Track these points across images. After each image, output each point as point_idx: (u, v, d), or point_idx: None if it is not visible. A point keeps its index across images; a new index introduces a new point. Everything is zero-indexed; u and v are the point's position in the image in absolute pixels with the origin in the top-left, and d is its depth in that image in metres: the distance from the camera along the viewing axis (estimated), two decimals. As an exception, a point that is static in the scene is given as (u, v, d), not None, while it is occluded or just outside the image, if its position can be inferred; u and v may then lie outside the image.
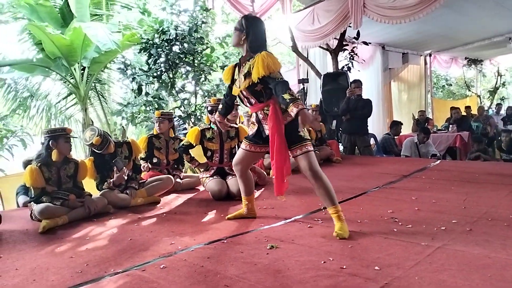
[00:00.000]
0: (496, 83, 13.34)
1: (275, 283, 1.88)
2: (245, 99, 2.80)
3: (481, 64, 12.92)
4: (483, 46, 10.06)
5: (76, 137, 3.79)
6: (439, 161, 5.65)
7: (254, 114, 2.86)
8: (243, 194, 3.08)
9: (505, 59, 13.13)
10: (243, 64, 2.77)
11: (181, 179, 4.51)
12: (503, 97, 14.20)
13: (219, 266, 2.12)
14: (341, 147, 6.79)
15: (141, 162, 4.37)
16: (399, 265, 2.00)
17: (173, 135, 4.71)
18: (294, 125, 2.56)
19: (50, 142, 3.35)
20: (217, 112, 3.15)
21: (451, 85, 16.20)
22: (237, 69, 2.85)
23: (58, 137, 3.36)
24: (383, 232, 2.54)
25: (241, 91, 2.78)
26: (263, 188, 4.23)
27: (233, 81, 2.88)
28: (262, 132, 2.81)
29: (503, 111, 11.12)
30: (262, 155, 3.30)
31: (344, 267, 2.01)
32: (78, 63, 6.72)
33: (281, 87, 2.50)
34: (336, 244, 2.36)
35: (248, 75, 2.67)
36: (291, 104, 2.40)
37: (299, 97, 2.48)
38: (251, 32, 2.71)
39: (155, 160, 4.60)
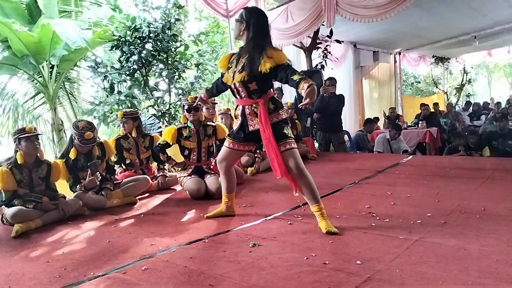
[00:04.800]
0: (462, 80, 13.80)
1: (259, 280, 1.89)
2: (235, 90, 2.77)
3: (448, 62, 13.35)
4: (450, 44, 10.41)
5: (41, 134, 3.66)
6: (410, 156, 5.80)
7: (240, 107, 2.81)
8: (224, 191, 3.07)
9: (471, 57, 13.63)
10: (242, 55, 2.72)
11: (166, 176, 4.44)
12: (469, 93, 14.71)
13: (203, 265, 2.11)
14: (316, 144, 6.86)
15: (115, 167, 4.29)
16: (380, 259, 2.05)
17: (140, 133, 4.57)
18: (279, 125, 2.66)
19: (15, 144, 3.26)
20: (204, 90, 3.08)
21: (419, 82, 16.67)
22: (234, 58, 2.80)
23: (20, 138, 3.24)
24: (362, 227, 2.59)
25: (234, 83, 2.74)
26: (241, 186, 4.22)
27: (228, 69, 2.82)
28: (245, 127, 2.79)
29: (470, 108, 11.52)
30: (244, 153, 3.28)
31: (327, 262, 2.04)
32: (46, 61, 6.52)
33: (290, 70, 2.53)
34: (318, 240, 2.38)
35: (245, 68, 2.65)
36: (302, 81, 2.41)
37: (306, 76, 2.49)
38: (251, 23, 2.68)
39: (127, 161, 4.51)
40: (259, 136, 2.71)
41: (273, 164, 2.64)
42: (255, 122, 2.72)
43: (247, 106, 2.76)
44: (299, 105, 2.45)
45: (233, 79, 2.73)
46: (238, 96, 2.79)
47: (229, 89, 2.89)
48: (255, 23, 2.69)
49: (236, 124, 2.88)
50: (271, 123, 2.64)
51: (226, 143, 2.94)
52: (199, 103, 3.17)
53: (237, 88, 2.74)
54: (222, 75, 2.88)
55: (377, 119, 9.40)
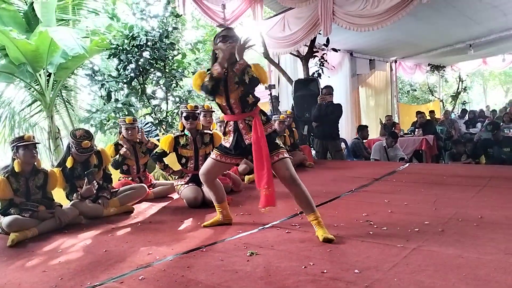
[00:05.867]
0: (457, 88, 13.89)
1: (257, 290, 1.88)
2: (228, 107, 2.75)
3: (443, 70, 13.45)
4: (445, 52, 10.49)
5: (39, 143, 3.64)
6: (407, 164, 5.82)
7: (231, 123, 2.79)
8: (215, 202, 3.08)
9: (466, 65, 13.74)
10: (231, 72, 2.69)
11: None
12: (464, 101, 14.80)
13: (200, 275, 2.10)
14: (313, 152, 6.88)
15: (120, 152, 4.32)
16: (378, 268, 2.04)
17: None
18: (271, 136, 2.70)
19: (13, 152, 3.24)
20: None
21: (415, 90, 16.77)
22: (215, 77, 2.70)
23: (18, 146, 3.23)
24: (360, 235, 2.59)
25: (228, 101, 2.72)
26: (238, 195, 4.22)
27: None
28: (241, 142, 2.77)
29: (466, 116, 11.58)
30: (231, 166, 3.25)
31: (325, 271, 2.03)
32: (43, 69, 6.52)
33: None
34: (315, 249, 2.38)
35: (241, 83, 2.64)
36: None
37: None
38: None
39: (125, 168, 4.50)
40: (250, 149, 2.69)
41: (259, 174, 2.62)
42: (250, 136, 2.69)
43: (240, 121, 2.74)
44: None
45: (228, 97, 2.71)
46: (230, 113, 2.77)
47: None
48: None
49: (227, 141, 2.82)
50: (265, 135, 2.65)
51: (213, 155, 2.90)
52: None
53: (231, 105, 2.73)
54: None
55: (366, 126, 9.42)
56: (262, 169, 2.60)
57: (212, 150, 4.10)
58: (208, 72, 2.73)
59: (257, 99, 2.77)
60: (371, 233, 2.63)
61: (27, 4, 7.03)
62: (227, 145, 2.82)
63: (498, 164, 5.80)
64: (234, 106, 2.73)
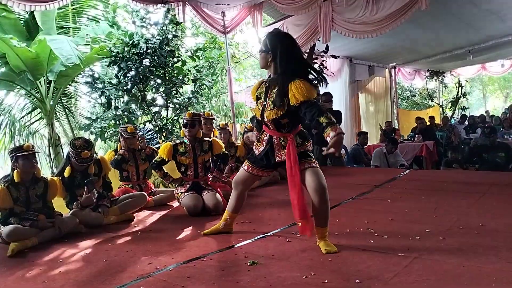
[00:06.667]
0: (457, 94, 13.90)
1: (258, 301, 1.87)
2: (262, 121, 2.67)
3: (443, 76, 13.46)
4: (445, 58, 10.53)
5: (38, 152, 3.65)
6: (408, 170, 5.82)
7: (267, 134, 2.68)
8: (230, 209, 2.99)
9: (465, 71, 13.78)
10: (272, 88, 2.58)
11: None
12: (464, 106, 14.80)
13: (201, 285, 2.09)
14: (313, 159, 6.87)
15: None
16: (379, 277, 2.04)
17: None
18: (304, 153, 2.59)
19: (12, 162, 3.24)
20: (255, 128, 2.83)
21: (414, 96, 16.76)
22: (263, 87, 2.66)
23: (17, 156, 3.22)
24: (361, 244, 2.59)
25: (261, 115, 2.62)
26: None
27: (257, 99, 2.68)
28: (271, 157, 2.67)
29: (465, 121, 11.59)
30: (260, 178, 3.14)
31: (326, 281, 2.03)
32: (44, 76, 6.53)
33: (316, 109, 2.36)
34: (316, 258, 2.37)
35: (276, 104, 2.50)
36: (329, 127, 2.27)
37: (335, 121, 2.32)
38: (279, 53, 2.49)
39: (125, 175, 4.49)
40: (280, 164, 2.66)
41: (294, 203, 2.52)
42: (282, 154, 2.59)
43: (275, 137, 2.63)
44: (323, 153, 2.27)
45: (263, 114, 2.59)
46: (266, 126, 2.67)
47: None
48: (283, 52, 2.50)
49: (258, 149, 2.73)
50: (297, 153, 2.53)
51: (245, 167, 2.83)
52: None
53: (265, 122, 2.63)
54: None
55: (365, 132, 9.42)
56: (294, 199, 2.51)
57: (211, 158, 4.15)
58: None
59: (295, 122, 2.58)
60: (372, 241, 2.63)
61: (27, 12, 7.06)
62: (257, 152, 2.75)
63: (493, 169, 5.81)
64: (268, 123, 2.62)
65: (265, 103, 2.59)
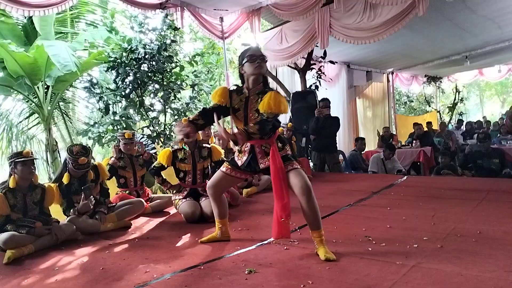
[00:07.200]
0: (454, 99, 13.96)
1: (256, 310, 1.86)
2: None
3: (440, 81, 13.53)
4: (442, 64, 10.60)
5: (37, 159, 3.64)
6: (405, 177, 5.82)
7: (248, 144, 2.73)
8: (216, 217, 3.03)
9: (462, 76, 13.87)
10: (252, 99, 2.67)
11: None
12: (461, 112, 14.87)
13: (198, 294, 2.08)
14: (311, 164, 6.87)
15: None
16: (377, 286, 2.03)
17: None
18: (285, 156, 2.68)
19: (10, 168, 3.23)
20: (187, 121, 2.73)
21: (412, 101, 16.81)
22: (241, 100, 2.72)
23: (16, 162, 3.21)
24: (359, 252, 2.58)
25: (245, 125, 2.66)
26: (236, 209, 4.20)
27: (230, 106, 2.75)
28: (255, 165, 2.74)
29: (463, 127, 11.62)
30: (240, 181, 3.24)
31: (324, 290, 2.02)
32: (41, 81, 6.52)
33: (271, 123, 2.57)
34: (315, 267, 2.37)
35: (262, 114, 2.57)
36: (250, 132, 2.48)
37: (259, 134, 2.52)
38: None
39: (122, 181, 4.47)
40: (263, 170, 2.72)
41: (280, 204, 2.59)
42: (266, 160, 2.68)
43: (256, 146, 2.71)
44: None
45: (246, 124, 2.67)
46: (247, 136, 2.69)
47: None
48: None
49: (241, 160, 2.78)
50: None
51: (223, 168, 2.88)
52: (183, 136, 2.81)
53: (249, 132, 2.62)
54: (214, 107, 2.76)
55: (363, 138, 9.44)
56: (283, 199, 2.56)
57: (210, 164, 4.14)
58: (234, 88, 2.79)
59: (275, 127, 2.71)
60: (370, 249, 2.62)
61: (26, 17, 7.06)
62: (239, 163, 2.80)
63: (488, 176, 5.82)
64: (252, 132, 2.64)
65: (245, 114, 2.69)
